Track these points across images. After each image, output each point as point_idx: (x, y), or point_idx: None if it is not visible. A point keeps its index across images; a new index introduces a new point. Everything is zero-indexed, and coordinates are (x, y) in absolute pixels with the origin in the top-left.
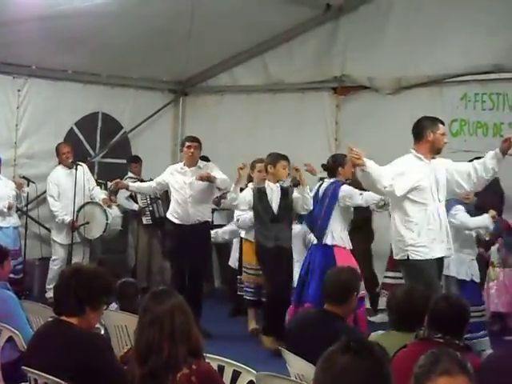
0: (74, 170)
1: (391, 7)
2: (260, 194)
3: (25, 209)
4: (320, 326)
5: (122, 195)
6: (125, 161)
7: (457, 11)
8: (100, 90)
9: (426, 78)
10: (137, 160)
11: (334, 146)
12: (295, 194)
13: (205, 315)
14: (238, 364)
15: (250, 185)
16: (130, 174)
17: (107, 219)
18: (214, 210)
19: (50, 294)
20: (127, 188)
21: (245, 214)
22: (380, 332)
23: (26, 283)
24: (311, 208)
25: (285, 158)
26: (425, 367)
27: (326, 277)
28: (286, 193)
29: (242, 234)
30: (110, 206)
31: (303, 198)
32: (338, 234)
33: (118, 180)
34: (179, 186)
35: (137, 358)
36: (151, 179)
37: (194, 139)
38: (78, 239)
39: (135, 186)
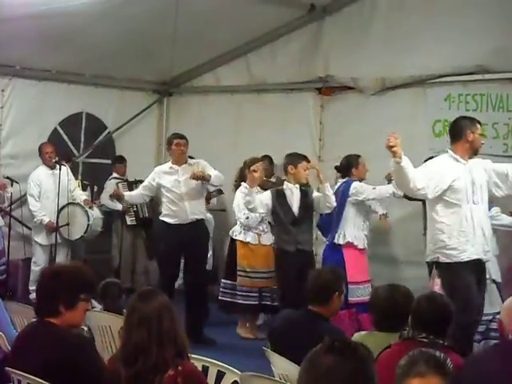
0: (56, 171)
1: (375, 8)
2: (279, 196)
3: (8, 209)
4: (304, 326)
5: (106, 195)
6: (109, 161)
7: (440, 12)
8: (84, 90)
9: (409, 79)
10: (122, 160)
11: (318, 146)
12: (315, 194)
13: None
14: (222, 364)
15: (244, 184)
16: (114, 175)
17: (89, 220)
18: None
19: (33, 295)
20: (123, 198)
21: (251, 213)
22: (363, 332)
23: (10, 284)
24: (335, 205)
25: (306, 158)
26: (402, 369)
27: (308, 278)
28: (306, 194)
29: (241, 236)
30: (91, 208)
31: (325, 196)
32: (350, 233)
33: (118, 190)
34: (172, 184)
35: (124, 359)
36: (135, 180)
37: (183, 136)
38: (59, 240)
39: (127, 195)
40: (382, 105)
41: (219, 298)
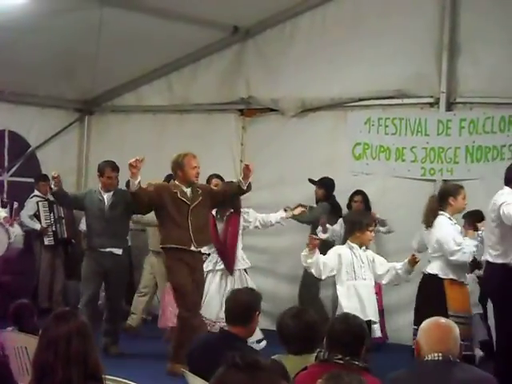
0: None
1: (296, 31)
2: None
3: None
4: (221, 348)
5: (26, 213)
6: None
7: (361, 37)
8: (5, 108)
9: (329, 101)
10: (45, 178)
11: (239, 167)
12: None
13: None
14: None
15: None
16: (36, 193)
17: (9, 238)
18: None
19: None
20: None
21: None
22: (277, 356)
23: None
24: None
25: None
26: None
27: (226, 299)
28: None
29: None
30: (11, 225)
31: None
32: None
33: None
34: None
35: (33, 379)
36: None
37: None
38: None
39: None
40: (303, 127)
41: None
